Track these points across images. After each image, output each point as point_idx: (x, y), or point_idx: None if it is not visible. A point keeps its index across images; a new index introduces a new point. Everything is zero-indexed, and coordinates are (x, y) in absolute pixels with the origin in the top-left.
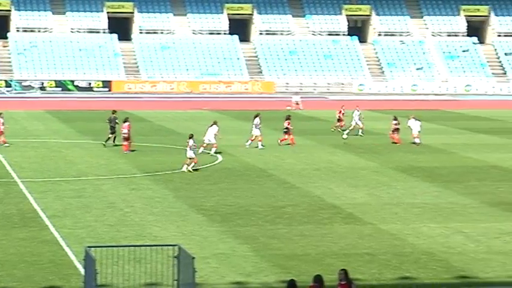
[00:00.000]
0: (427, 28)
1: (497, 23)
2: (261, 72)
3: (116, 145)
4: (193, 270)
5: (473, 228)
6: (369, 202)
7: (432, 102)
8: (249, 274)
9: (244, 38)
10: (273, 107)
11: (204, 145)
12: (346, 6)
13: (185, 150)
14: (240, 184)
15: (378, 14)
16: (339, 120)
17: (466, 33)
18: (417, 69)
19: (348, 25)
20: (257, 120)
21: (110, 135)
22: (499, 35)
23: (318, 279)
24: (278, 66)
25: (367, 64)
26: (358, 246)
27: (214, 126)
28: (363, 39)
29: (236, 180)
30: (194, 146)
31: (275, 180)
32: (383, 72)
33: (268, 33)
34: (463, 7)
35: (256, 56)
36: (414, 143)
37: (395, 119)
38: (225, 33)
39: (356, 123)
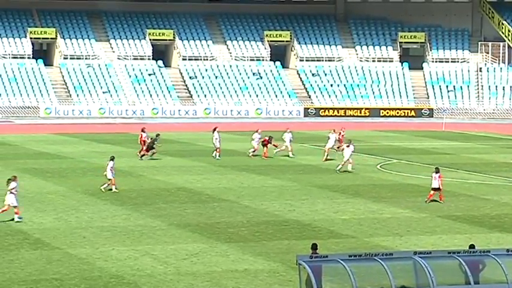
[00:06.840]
0: (113, 51)
1: (182, 47)
2: None
3: None
4: None
5: (161, 250)
6: (57, 227)
7: (120, 125)
8: None
9: None
10: None
11: None
12: (30, 29)
13: None
14: None
15: (63, 37)
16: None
17: (151, 57)
18: (104, 92)
19: (33, 48)
20: None
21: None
22: (184, 59)
23: None
24: None
25: (54, 87)
26: (47, 271)
27: None
28: (48, 62)
29: None
30: None
31: None
32: (70, 95)
33: None
34: (149, 31)
35: None
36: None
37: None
38: None
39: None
